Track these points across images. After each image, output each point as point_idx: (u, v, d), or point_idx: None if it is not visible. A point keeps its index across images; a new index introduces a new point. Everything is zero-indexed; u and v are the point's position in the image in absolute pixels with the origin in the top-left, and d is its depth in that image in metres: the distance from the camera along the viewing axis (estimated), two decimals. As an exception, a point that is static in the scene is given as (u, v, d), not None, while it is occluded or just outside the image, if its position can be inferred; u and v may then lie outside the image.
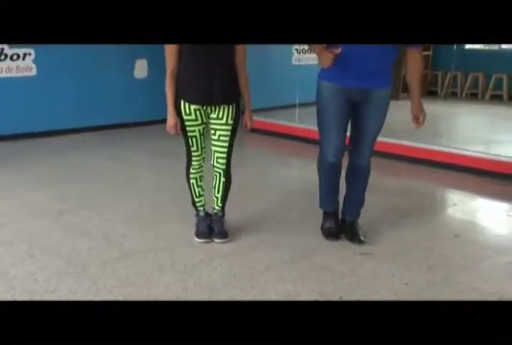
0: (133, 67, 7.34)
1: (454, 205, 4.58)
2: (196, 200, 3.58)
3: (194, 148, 3.40)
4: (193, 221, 3.63)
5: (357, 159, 3.43)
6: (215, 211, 3.59)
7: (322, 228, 3.62)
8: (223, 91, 3.25)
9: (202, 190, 3.56)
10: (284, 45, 8.47)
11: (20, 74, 6.44)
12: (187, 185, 3.55)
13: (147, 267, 3.17)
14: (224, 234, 3.52)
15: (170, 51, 3.24)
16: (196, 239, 3.52)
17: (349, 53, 3.13)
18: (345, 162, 3.52)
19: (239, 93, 3.36)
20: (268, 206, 4.15)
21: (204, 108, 3.30)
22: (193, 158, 3.44)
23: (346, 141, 3.44)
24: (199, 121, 3.33)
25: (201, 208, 3.60)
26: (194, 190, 3.54)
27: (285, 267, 3.20)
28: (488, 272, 3.21)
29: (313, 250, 3.43)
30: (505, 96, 9.94)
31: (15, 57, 6.35)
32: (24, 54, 6.42)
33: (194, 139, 3.37)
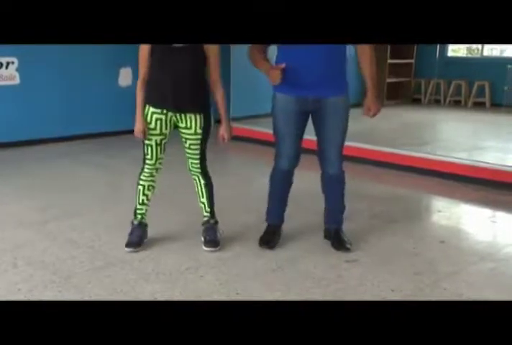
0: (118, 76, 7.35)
1: (439, 211, 4.61)
2: (138, 207, 3.55)
3: (148, 156, 3.41)
4: (180, 229, 3.62)
5: (328, 169, 3.45)
6: (206, 219, 3.57)
7: (261, 238, 3.59)
8: (189, 100, 3.27)
9: (147, 199, 3.53)
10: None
11: (3, 83, 6.40)
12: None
13: (132, 275, 3.14)
14: (215, 243, 3.50)
15: (143, 57, 3.26)
16: (125, 248, 3.47)
17: (297, 63, 3.16)
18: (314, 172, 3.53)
19: (207, 103, 3.37)
20: (252, 214, 4.13)
21: (169, 116, 3.31)
22: (146, 166, 3.44)
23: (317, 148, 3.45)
24: (157, 131, 3.33)
25: (139, 217, 3.56)
26: (139, 196, 3.52)
27: (271, 274, 3.20)
28: (473, 278, 3.23)
29: (299, 257, 3.43)
30: (487, 103, 10.06)
31: (-3, 65, 6.32)
32: (7, 63, 6.38)
33: (150, 148, 3.38)
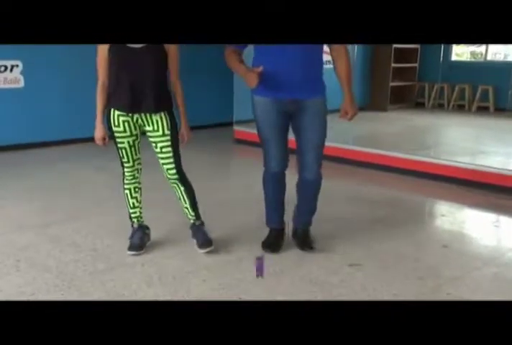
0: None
1: (442, 216, 4.60)
2: (130, 211, 3.57)
3: (125, 159, 3.41)
4: (181, 231, 3.61)
5: (305, 173, 3.44)
6: (192, 222, 3.55)
7: (263, 242, 3.59)
8: (153, 101, 3.23)
9: (137, 201, 3.55)
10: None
11: (8, 86, 6.42)
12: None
13: (134, 279, 3.14)
14: (208, 242, 3.49)
15: (103, 59, 3.25)
16: (127, 252, 3.48)
17: (274, 65, 3.14)
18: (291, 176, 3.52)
19: (170, 102, 3.34)
20: (255, 218, 4.12)
21: (135, 119, 3.30)
22: (125, 169, 3.45)
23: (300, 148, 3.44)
24: (128, 133, 3.33)
25: (135, 220, 3.58)
26: (128, 201, 3.53)
27: (273, 278, 3.19)
28: (476, 283, 3.22)
29: (302, 262, 3.42)
30: (491, 108, 10.04)
31: (2, 68, 6.33)
32: (12, 66, 6.40)
33: (124, 151, 3.38)
